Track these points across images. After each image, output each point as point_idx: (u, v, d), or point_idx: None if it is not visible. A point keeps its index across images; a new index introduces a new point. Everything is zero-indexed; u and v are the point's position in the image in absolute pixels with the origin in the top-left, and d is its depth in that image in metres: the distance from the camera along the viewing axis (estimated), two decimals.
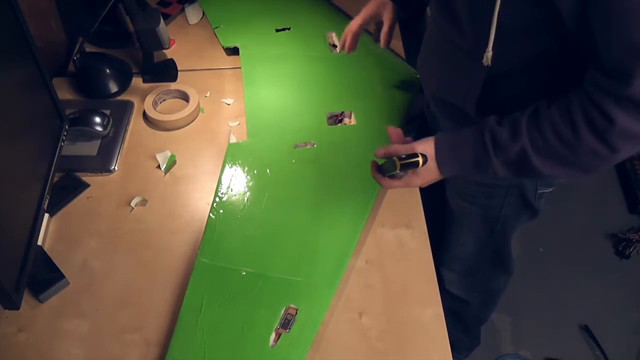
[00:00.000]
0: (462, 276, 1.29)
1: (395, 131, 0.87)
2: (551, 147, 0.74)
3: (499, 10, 0.71)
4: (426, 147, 0.82)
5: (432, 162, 0.82)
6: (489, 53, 0.75)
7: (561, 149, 0.73)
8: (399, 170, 0.79)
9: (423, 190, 1.33)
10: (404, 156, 0.79)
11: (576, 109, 0.70)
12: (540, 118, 0.74)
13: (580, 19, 0.66)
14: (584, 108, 0.70)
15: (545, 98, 0.76)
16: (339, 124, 1.15)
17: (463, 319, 1.43)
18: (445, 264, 1.29)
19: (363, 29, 1.12)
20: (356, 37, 1.12)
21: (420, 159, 0.78)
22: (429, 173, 0.83)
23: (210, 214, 0.98)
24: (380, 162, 0.88)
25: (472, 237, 1.16)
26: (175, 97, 1.23)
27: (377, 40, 1.13)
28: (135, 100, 1.21)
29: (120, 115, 1.17)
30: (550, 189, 1.02)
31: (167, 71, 1.25)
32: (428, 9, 1.62)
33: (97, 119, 1.11)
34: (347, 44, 1.12)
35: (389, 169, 0.84)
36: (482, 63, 0.77)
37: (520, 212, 1.05)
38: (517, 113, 0.77)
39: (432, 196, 1.09)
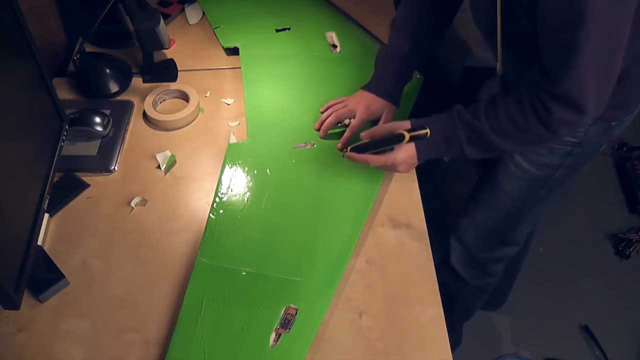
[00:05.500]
0: (468, 250, 1.31)
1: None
2: (505, 129, 0.90)
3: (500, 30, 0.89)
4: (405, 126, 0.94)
5: (411, 144, 0.95)
6: (500, 65, 0.97)
7: (514, 131, 0.90)
8: (408, 140, 0.89)
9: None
10: (410, 127, 0.92)
11: (526, 102, 0.87)
12: (497, 106, 0.90)
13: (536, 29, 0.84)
14: (531, 100, 0.86)
15: (502, 90, 0.96)
16: (339, 124, 1.14)
17: (452, 313, 1.44)
18: (458, 231, 1.31)
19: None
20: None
21: (427, 131, 0.89)
22: (407, 150, 0.96)
23: (210, 214, 0.98)
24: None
25: (508, 199, 1.18)
26: (175, 97, 1.23)
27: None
28: (135, 100, 1.21)
29: (120, 115, 1.17)
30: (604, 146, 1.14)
31: (167, 71, 1.25)
32: None
33: (97, 119, 1.11)
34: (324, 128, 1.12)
35: (382, 143, 0.95)
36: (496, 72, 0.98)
37: (571, 173, 1.11)
38: (478, 102, 0.94)
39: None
